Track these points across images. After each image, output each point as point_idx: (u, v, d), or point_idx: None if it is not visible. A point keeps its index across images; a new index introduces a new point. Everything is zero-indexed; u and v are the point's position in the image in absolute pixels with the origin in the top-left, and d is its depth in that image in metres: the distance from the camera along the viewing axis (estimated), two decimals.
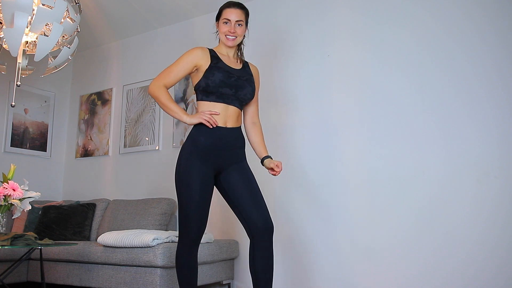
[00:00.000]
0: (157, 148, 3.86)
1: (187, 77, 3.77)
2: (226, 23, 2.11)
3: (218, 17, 2.17)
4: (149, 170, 3.88)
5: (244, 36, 2.18)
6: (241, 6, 2.13)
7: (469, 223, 2.46)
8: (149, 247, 2.62)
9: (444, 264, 2.49)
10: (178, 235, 2.09)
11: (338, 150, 2.95)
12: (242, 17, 2.12)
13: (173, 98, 3.82)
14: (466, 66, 2.60)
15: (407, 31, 2.82)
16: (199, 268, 2.82)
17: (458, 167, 2.54)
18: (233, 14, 2.10)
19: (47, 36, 2.66)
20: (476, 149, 2.51)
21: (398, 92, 2.80)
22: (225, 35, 2.11)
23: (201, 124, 2.02)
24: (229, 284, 3.18)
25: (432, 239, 2.55)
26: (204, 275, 2.86)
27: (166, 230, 3.37)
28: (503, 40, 2.52)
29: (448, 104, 2.63)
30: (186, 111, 3.72)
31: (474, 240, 2.43)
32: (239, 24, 2.11)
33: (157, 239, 2.64)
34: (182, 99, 3.78)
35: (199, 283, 2.82)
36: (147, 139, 3.94)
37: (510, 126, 2.44)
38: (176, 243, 2.71)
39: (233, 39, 2.12)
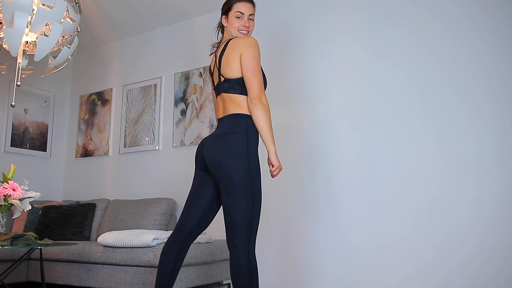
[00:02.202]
0: (157, 148, 3.86)
1: (187, 77, 3.78)
2: (239, 17, 2.04)
3: (227, 11, 2.08)
4: (149, 170, 3.88)
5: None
6: (251, 0, 2.09)
7: (469, 223, 2.46)
8: (149, 247, 2.62)
9: (445, 264, 2.49)
10: (250, 238, 1.86)
11: (337, 150, 2.95)
12: (253, 11, 2.08)
13: (173, 98, 3.84)
14: (466, 66, 2.61)
15: (407, 30, 2.82)
16: (200, 267, 2.82)
17: (458, 167, 2.54)
18: (246, 8, 2.05)
19: (47, 36, 2.66)
20: (475, 149, 2.51)
21: (398, 92, 2.80)
22: (238, 30, 2.05)
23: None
24: (229, 284, 3.18)
25: (432, 240, 2.55)
26: (204, 275, 2.86)
27: (166, 230, 3.37)
28: (503, 40, 2.52)
29: (448, 104, 2.63)
30: (186, 111, 3.74)
31: (474, 240, 2.43)
32: (251, 19, 2.07)
33: (157, 239, 2.64)
34: (182, 99, 3.78)
35: (199, 283, 2.82)
36: (147, 139, 3.94)
37: (510, 126, 2.44)
38: None
39: (246, 34, 2.06)
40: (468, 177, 2.51)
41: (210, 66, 2.15)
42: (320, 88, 3.09)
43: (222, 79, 2.01)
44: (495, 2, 2.58)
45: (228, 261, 3.12)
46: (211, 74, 2.12)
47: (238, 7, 2.05)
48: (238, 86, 1.96)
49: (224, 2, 2.12)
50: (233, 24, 2.06)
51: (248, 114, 1.94)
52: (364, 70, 2.93)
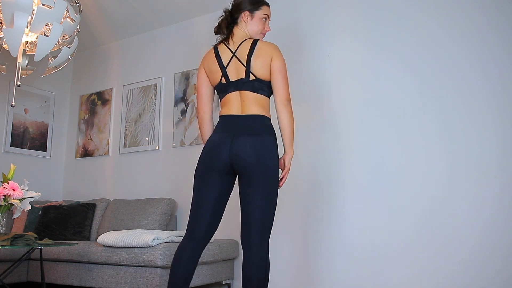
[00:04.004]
0: (157, 148, 3.86)
1: (187, 77, 3.78)
2: (265, 19, 2.16)
3: (254, 9, 2.11)
4: (149, 170, 3.88)
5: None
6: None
7: (469, 223, 2.46)
8: (149, 247, 2.62)
9: (445, 264, 2.49)
10: (268, 236, 1.93)
11: (338, 150, 2.95)
12: None
13: (173, 98, 3.84)
14: (466, 66, 2.61)
15: (407, 31, 2.82)
16: (200, 267, 2.82)
17: (457, 167, 2.54)
18: (270, 12, 2.19)
19: (47, 36, 2.66)
20: (475, 149, 2.51)
21: (398, 92, 2.80)
22: (261, 32, 2.15)
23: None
24: (229, 284, 3.18)
25: (433, 240, 2.55)
26: (204, 275, 2.86)
27: (166, 230, 3.37)
28: (503, 40, 2.52)
29: (448, 104, 2.63)
30: (186, 111, 3.74)
31: (475, 240, 2.43)
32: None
33: (157, 239, 2.64)
34: (182, 99, 3.77)
35: (199, 283, 2.82)
36: (147, 139, 3.94)
37: (510, 126, 2.44)
38: (176, 243, 2.72)
39: (263, 36, 2.19)
40: (468, 177, 2.51)
41: (219, 57, 2.07)
42: (320, 88, 3.09)
43: (252, 77, 2.01)
44: (495, 2, 2.58)
45: (228, 261, 3.13)
46: (223, 67, 2.05)
47: (267, 10, 2.16)
48: (267, 88, 2.04)
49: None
50: (258, 25, 2.13)
51: (269, 117, 2.05)
52: (364, 70, 2.94)
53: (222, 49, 2.08)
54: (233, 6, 2.15)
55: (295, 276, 2.95)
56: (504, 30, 2.53)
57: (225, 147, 1.95)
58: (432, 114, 2.67)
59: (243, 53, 2.03)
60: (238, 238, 3.22)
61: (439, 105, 2.65)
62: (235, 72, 2.03)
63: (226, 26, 2.13)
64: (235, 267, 3.21)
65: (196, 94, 2.06)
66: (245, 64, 2.01)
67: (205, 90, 2.13)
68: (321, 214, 2.93)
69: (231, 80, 2.04)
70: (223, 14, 2.16)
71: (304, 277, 2.92)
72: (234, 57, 2.04)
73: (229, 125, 2.00)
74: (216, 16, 2.25)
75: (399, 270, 2.62)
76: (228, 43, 2.09)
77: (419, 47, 2.76)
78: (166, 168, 3.77)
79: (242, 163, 1.92)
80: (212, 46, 2.13)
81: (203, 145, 2.07)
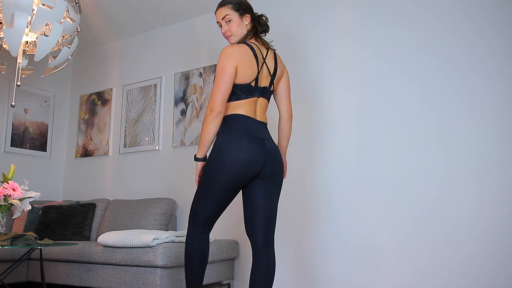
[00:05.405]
0: (157, 148, 3.86)
1: (187, 77, 3.78)
2: (220, 26, 2.11)
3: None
4: (149, 170, 3.88)
5: (249, 25, 2.08)
6: (222, 4, 2.07)
7: (469, 223, 2.46)
8: (149, 247, 2.62)
9: (445, 264, 2.49)
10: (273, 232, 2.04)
11: (338, 150, 2.95)
12: (227, 12, 2.05)
13: (173, 98, 3.84)
14: (466, 65, 2.61)
15: (407, 31, 2.82)
16: None
17: (458, 167, 2.54)
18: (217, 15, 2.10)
19: (47, 36, 2.66)
20: (476, 149, 2.51)
21: (398, 92, 2.80)
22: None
23: None
24: (229, 284, 3.18)
25: (433, 239, 2.55)
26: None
27: (166, 230, 3.37)
28: (503, 39, 2.52)
29: (448, 103, 2.63)
30: (186, 111, 3.74)
31: (474, 240, 2.43)
32: (228, 20, 2.05)
33: (157, 239, 2.64)
34: (182, 99, 3.77)
35: None
36: (147, 139, 3.94)
37: (510, 126, 2.44)
38: (176, 243, 2.72)
39: (229, 37, 2.08)
40: (468, 177, 2.51)
41: (257, 59, 1.98)
42: (320, 88, 3.09)
43: (272, 88, 2.09)
44: (495, 2, 2.58)
45: (228, 261, 3.13)
46: (258, 71, 1.98)
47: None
48: None
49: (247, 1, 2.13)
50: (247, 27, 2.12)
51: None
52: (364, 70, 2.93)
53: (257, 51, 1.99)
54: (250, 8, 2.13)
55: (294, 276, 2.95)
56: (504, 30, 2.53)
57: (262, 152, 1.93)
58: (432, 114, 2.67)
59: (270, 62, 2.05)
60: (238, 238, 3.22)
61: (439, 105, 2.65)
62: (263, 79, 2.01)
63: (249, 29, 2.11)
64: (235, 267, 3.21)
65: (218, 88, 1.88)
66: (272, 74, 2.04)
67: (231, 87, 1.92)
68: (320, 214, 2.93)
69: (259, 85, 2.00)
70: (265, 18, 2.17)
71: (302, 278, 2.92)
72: (264, 63, 2.02)
73: (251, 126, 1.96)
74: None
75: (399, 270, 2.62)
76: (258, 47, 2.03)
77: (419, 47, 2.76)
78: (166, 168, 3.77)
79: (275, 168, 1.99)
80: (242, 43, 2.02)
81: (220, 145, 1.94)
